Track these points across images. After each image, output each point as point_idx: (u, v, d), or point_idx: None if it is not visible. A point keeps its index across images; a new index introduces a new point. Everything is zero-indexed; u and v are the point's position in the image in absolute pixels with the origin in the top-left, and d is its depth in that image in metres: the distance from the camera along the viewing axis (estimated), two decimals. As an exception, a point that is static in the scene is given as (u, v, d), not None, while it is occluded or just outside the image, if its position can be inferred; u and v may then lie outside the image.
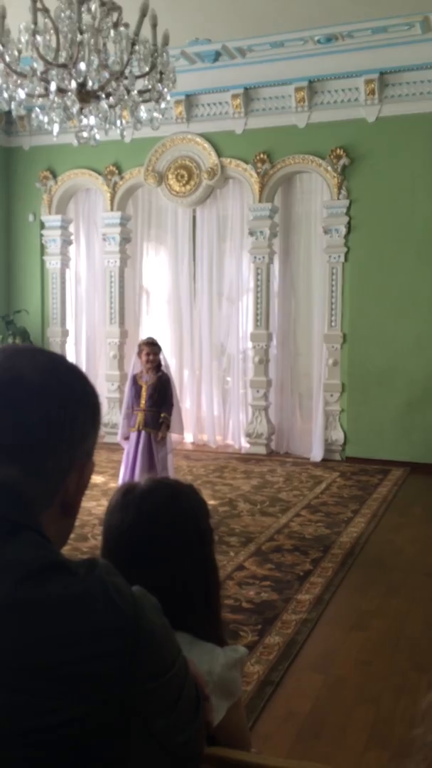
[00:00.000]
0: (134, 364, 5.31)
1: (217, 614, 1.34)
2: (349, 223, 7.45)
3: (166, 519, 1.26)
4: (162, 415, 5.11)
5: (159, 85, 3.80)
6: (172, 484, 1.36)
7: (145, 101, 3.85)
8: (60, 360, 0.87)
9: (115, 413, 8.22)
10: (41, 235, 8.73)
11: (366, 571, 4.26)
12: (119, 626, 0.73)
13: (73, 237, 8.84)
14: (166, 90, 3.85)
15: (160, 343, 5.31)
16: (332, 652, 3.20)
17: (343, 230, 7.46)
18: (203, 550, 1.31)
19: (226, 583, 3.88)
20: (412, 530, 5.11)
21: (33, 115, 3.89)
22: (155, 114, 3.94)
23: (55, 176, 8.58)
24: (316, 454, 7.55)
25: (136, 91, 3.77)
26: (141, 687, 0.73)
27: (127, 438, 5.24)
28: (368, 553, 4.58)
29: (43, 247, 8.75)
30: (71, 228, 8.83)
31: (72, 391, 0.84)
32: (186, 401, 8.52)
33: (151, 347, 5.15)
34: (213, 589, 1.32)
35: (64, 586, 0.73)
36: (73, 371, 0.86)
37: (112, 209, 8.37)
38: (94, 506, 5.36)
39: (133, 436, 5.17)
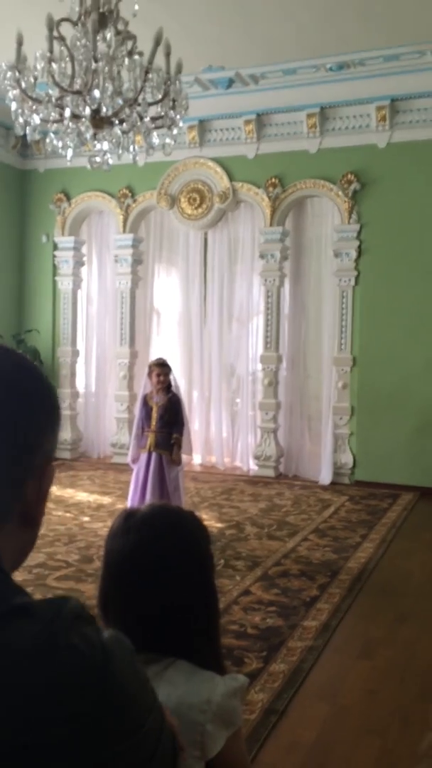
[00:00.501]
0: (144, 384, 5.32)
1: (217, 642, 1.33)
2: (359, 247, 7.49)
3: (168, 545, 1.26)
4: (174, 435, 5.11)
5: (171, 112, 3.87)
6: (174, 510, 1.37)
7: (157, 127, 3.91)
8: (10, 357, 0.77)
9: (124, 434, 8.24)
10: (54, 256, 8.83)
11: (374, 598, 4.21)
12: (85, 682, 0.64)
13: (85, 258, 8.94)
14: (178, 117, 3.91)
15: (170, 364, 5.33)
16: (338, 680, 3.15)
17: (354, 254, 7.49)
18: (204, 576, 1.30)
19: (231, 608, 3.85)
20: (421, 556, 5.05)
21: (47, 140, 3.96)
22: (167, 140, 3.99)
23: (68, 198, 8.70)
24: (325, 477, 7.51)
25: (149, 118, 3.84)
26: (110, 750, 0.64)
27: (135, 460, 5.22)
28: (376, 579, 4.52)
29: (55, 268, 8.85)
30: (84, 249, 8.93)
31: (24, 392, 0.75)
32: (195, 422, 8.51)
33: (162, 368, 5.16)
34: (213, 616, 1.32)
35: (22, 633, 0.63)
36: (26, 369, 0.77)
37: (124, 231, 8.46)
38: (100, 527, 5.35)
39: (144, 457, 5.15)
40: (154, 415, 5.14)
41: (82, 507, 6.19)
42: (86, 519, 5.72)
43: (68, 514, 5.91)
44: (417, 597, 4.23)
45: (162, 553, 1.25)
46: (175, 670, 1.21)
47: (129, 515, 1.30)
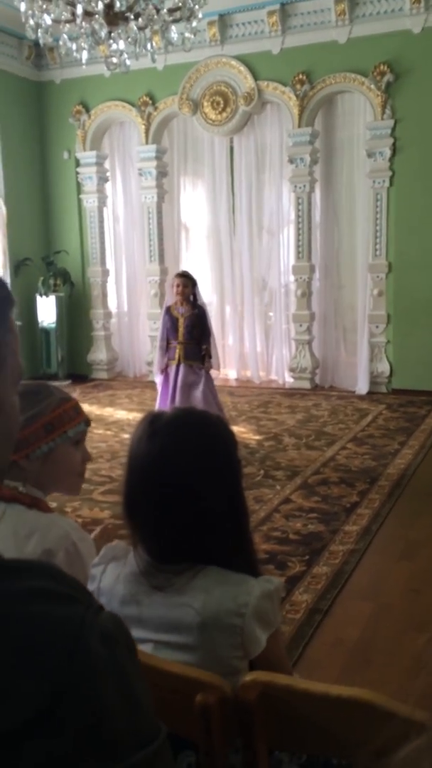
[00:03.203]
0: (168, 296, 5.33)
1: (249, 545, 1.32)
2: (394, 144, 7.09)
3: (196, 447, 1.23)
4: (203, 347, 5.12)
5: (189, 1, 3.59)
6: (199, 413, 1.33)
7: (175, 21, 3.65)
8: None
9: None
10: (77, 173, 8.60)
11: (413, 502, 4.23)
12: (41, 669, 0.49)
13: (109, 174, 8.69)
14: (197, 7, 3.64)
15: (196, 277, 5.29)
16: (380, 581, 3.21)
17: (388, 153, 7.11)
18: (232, 478, 1.27)
19: (272, 516, 3.92)
20: (461, 461, 5.03)
21: (61, 42, 3.74)
22: (187, 34, 3.74)
23: (88, 110, 8.37)
24: (362, 387, 7.46)
25: (165, 10, 3.58)
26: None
27: (164, 370, 5.26)
28: (416, 485, 4.54)
29: (79, 185, 8.64)
30: (107, 164, 8.66)
31: None
32: (228, 337, 8.47)
33: (181, 278, 5.16)
34: (243, 520, 1.30)
35: None
36: None
37: (147, 142, 8.15)
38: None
39: (172, 369, 5.18)
40: (181, 327, 5.13)
41: (122, 424, 6.29)
42: (126, 436, 5.81)
43: (109, 432, 6.03)
44: (457, 500, 4.24)
45: (190, 456, 1.22)
46: (205, 577, 1.21)
47: (154, 419, 1.26)
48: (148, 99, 8.03)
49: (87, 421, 1.54)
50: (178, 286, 5.11)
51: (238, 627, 1.18)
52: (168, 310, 5.22)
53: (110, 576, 1.28)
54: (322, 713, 1.09)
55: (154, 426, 1.24)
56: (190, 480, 1.21)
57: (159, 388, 5.34)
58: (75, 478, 1.56)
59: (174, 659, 1.18)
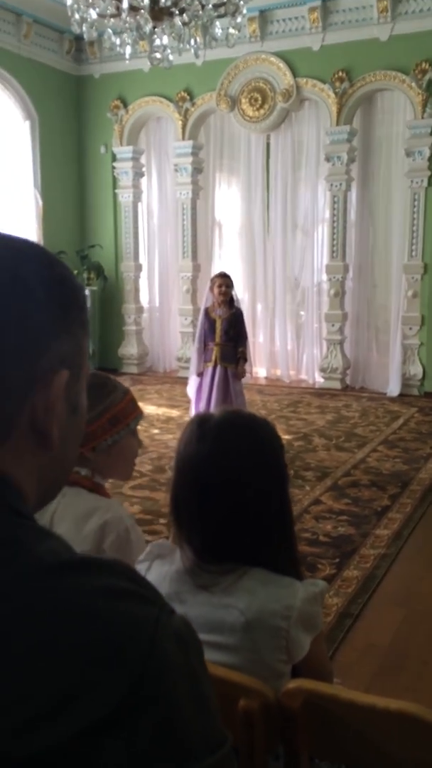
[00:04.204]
0: (206, 297, 5.28)
1: (294, 548, 1.33)
2: (433, 144, 6.99)
3: (245, 450, 1.23)
4: (239, 349, 5.09)
5: (235, -3, 3.57)
6: (249, 416, 1.34)
7: (219, 16, 3.63)
8: (8, 242, 0.61)
9: (189, 347, 8.24)
10: (113, 168, 8.63)
11: (446, 508, 4.17)
12: (121, 663, 0.50)
13: (144, 169, 8.71)
14: (242, 2, 3.61)
15: (232, 277, 5.27)
16: (412, 586, 3.17)
17: (427, 152, 7.01)
18: (281, 481, 1.28)
19: (302, 517, 3.89)
20: None
21: (105, 37, 3.74)
22: (231, 30, 3.71)
23: (125, 105, 8.39)
24: (393, 389, 7.38)
25: (210, 6, 3.56)
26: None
27: (201, 374, 5.23)
28: (448, 490, 4.47)
29: (115, 180, 8.67)
30: (143, 159, 8.69)
31: (16, 279, 0.58)
32: (259, 336, 8.44)
33: (224, 279, 5.12)
34: (289, 522, 1.30)
35: (25, 593, 0.51)
36: (27, 255, 0.60)
37: (183, 138, 8.15)
38: (170, 439, 5.45)
39: (208, 370, 5.16)
40: (218, 328, 5.11)
41: (152, 420, 6.30)
42: (156, 431, 5.83)
43: (139, 427, 6.03)
44: None
45: (239, 457, 1.22)
46: (251, 578, 1.21)
47: (203, 420, 1.26)
48: (185, 95, 8.03)
49: (141, 412, 1.64)
50: (220, 286, 5.07)
51: (283, 630, 1.17)
52: (206, 312, 5.20)
53: (155, 574, 1.28)
54: (367, 724, 1.07)
55: (204, 428, 1.24)
56: (239, 481, 1.21)
57: (193, 391, 5.29)
58: (130, 465, 1.65)
59: (217, 660, 1.17)
